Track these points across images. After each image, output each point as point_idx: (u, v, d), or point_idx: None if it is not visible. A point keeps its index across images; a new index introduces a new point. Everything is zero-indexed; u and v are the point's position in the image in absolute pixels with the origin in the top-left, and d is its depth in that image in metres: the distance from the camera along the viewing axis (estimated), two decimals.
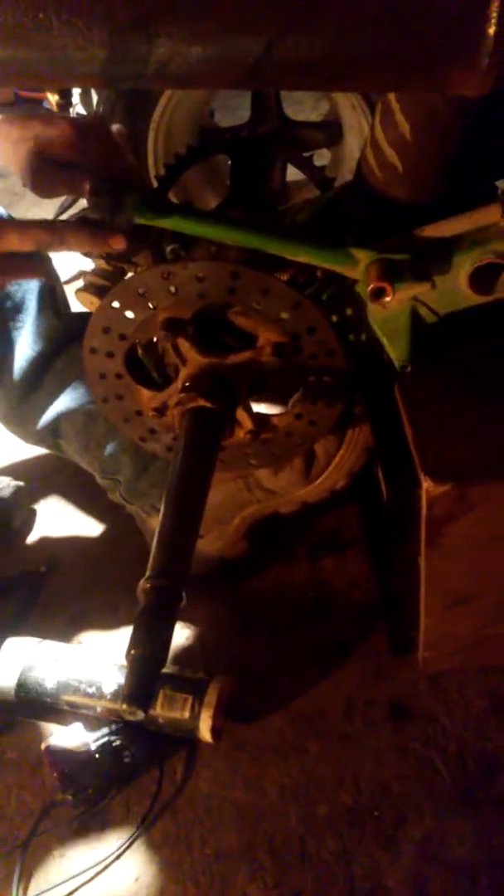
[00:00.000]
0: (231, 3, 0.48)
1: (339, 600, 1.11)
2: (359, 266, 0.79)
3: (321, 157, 1.37)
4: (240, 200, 1.03)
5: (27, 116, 0.81)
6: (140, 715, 0.61)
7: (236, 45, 0.48)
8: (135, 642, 0.64)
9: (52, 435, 1.10)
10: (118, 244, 0.76)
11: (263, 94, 1.31)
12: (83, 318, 0.87)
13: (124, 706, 0.61)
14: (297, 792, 0.92)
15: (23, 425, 1.11)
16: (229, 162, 1.29)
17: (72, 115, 1.48)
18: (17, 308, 1.03)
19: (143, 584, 0.69)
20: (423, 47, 0.48)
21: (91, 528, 1.26)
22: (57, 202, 1.71)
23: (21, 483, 1.26)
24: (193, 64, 0.49)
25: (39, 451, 1.31)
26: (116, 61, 0.49)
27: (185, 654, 1.06)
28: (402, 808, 0.89)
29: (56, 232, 0.75)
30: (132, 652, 0.64)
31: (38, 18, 0.48)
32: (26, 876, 0.87)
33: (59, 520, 1.28)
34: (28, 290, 1.04)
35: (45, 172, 0.79)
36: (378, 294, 0.77)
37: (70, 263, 1.15)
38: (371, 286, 0.76)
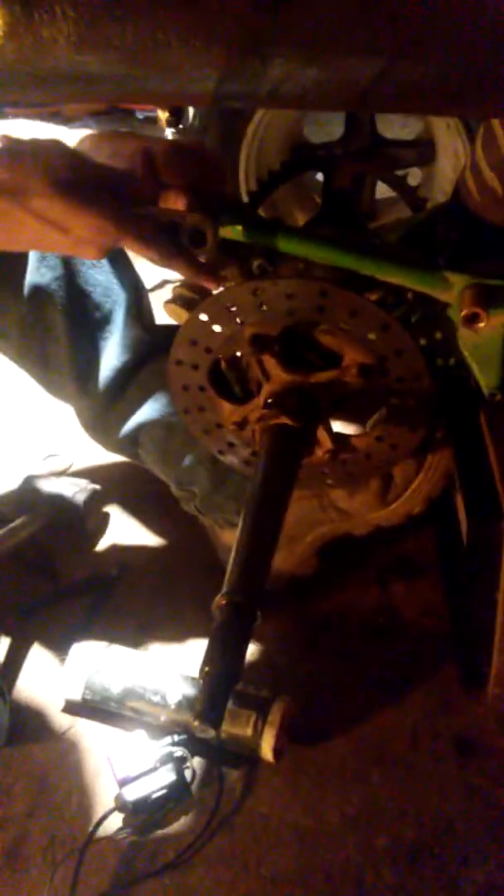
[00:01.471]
0: (346, 26, 0.48)
1: (409, 627, 1.08)
2: (452, 290, 0.78)
3: (412, 177, 1.36)
4: (330, 218, 1.03)
5: (121, 133, 0.84)
6: (211, 732, 0.61)
7: (350, 69, 0.48)
8: (209, 659, 0.64)
9: (131, 444, 1.12)
10: (210, 284, 0.78)
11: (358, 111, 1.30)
12: (169, 331, 0.88)
13: (196, 723, 0.61)
14: (358, 820, 0.90)
15: (105, 433, 1.13)
16: (319, 178, 1.29)
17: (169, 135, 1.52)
18: (106, 319, 1.05)
19: (218, 599, 0.68)
20: None
21: (163, 536, 1.27)
22: None
23: (97, 486, 1.28)
24: (306, 86, 0.48)
25: (116, 456, 1.33)
26: (231, 81, 0.49)
27: (251, 670, 1.05)
28: (464, 847, 0.87)
29: (165, 255, 0.77)
30: (206, 669, 0.63)
31: (156, 38, 0.49)
32: (81, 881, 0.88)
33: (131, 526, 1.29)
34: (116, 302, 1.06)
35: None
36: (472, 319, 0.75)
37: (155, 272, 1.17)
38: (465, 311, 0.75)
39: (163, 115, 1.49)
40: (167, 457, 1.09)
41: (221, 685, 0.63)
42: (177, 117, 1.40)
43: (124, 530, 1.29)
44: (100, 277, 1.05)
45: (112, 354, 1.06)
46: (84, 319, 1.04)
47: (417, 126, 1.53)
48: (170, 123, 1.44)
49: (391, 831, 0.89)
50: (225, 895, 0.86)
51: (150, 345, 1.07)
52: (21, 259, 1.02)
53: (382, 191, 1.41)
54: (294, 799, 0.93)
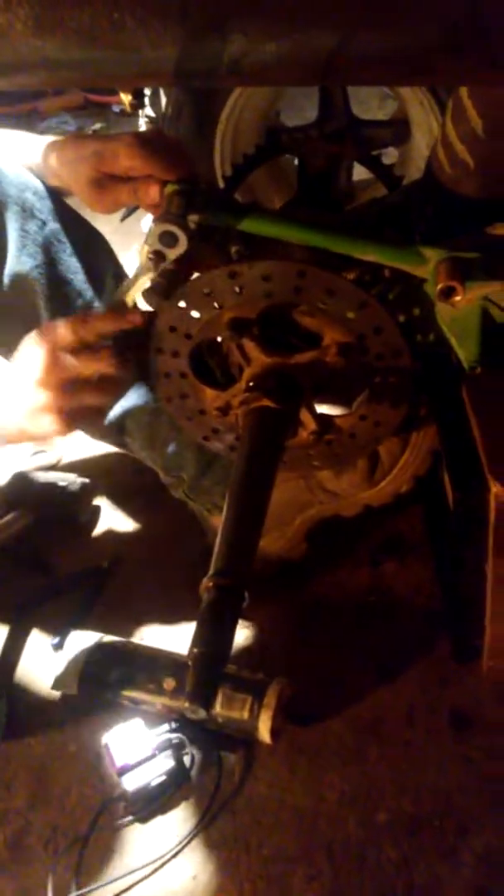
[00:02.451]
0: None
1: (401, 605, 1.09)
2: (428, 265, 0.78)
3: (388, 156, 1.36)
4: (307, 200, 1.03)
5: (82, 136, 0.88)
6: (202, 713, 0.61)
7: (309, 41, 0.48)
8: (197, 640, 0.64)
9: (118, 431, 1.11)
10: (136, 320, 0.84)
11: (331, 92, 1.30)
12: (151, 317, 0.88)
13: (186, 704, 0.61)
14: (357, 798, 0.91)
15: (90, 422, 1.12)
16: (295, 161, 1.29)
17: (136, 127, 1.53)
18: (88, 306, 1.05)
19: (205, 582, 0.69)
20: None
21: (153, 526, 1.27)
22: (117, 216, 1.74)
23: (86, 480, 1.28)
24: (267, 60, 0.48)
25: (104, 448, 1.33)
26: (190, 59, 0.49)
27: (245, 654, 1.06)
28: (463, 818, 0.87)
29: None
30: (194, 650, 0.64)
31: (112, 18, 0.48)
32: (84, 870, 0.88)
33: (122, 518, 1.29)
34: (97, 288, 1.06)
35: (106, 187, 0.84)
36: (448, 293, 0.76)
37: (133, 261, 1.17)
38: (441, 285, 0.75)
39: (126, 98, 1.48)
40: (154, 443, 1.09)
41: (210, 666, 0.64)
42: (139, 100, 1.40)
43: (115, 522, 1.29)
44: (80, 265, 1.05)
45: None
46: (66, 306, 1.04)
47: (392, 106, 1.53)
48: (133, 108, 1.43)
49: (390, 807, 0.89)
50: (228, 878, 0.86)
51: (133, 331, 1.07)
52: (0, 248, 1.01)
53: (360, 172, 1.41)
54: (293, 779, 0.93)
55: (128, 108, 1.44)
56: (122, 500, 1.32)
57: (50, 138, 0.98)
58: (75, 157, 0.90)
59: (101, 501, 1.32)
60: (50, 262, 1.02)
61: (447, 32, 0.45)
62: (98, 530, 1.28)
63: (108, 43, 0.49)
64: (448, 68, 0.48)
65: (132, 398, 1.08)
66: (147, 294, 0.90)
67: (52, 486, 1.27)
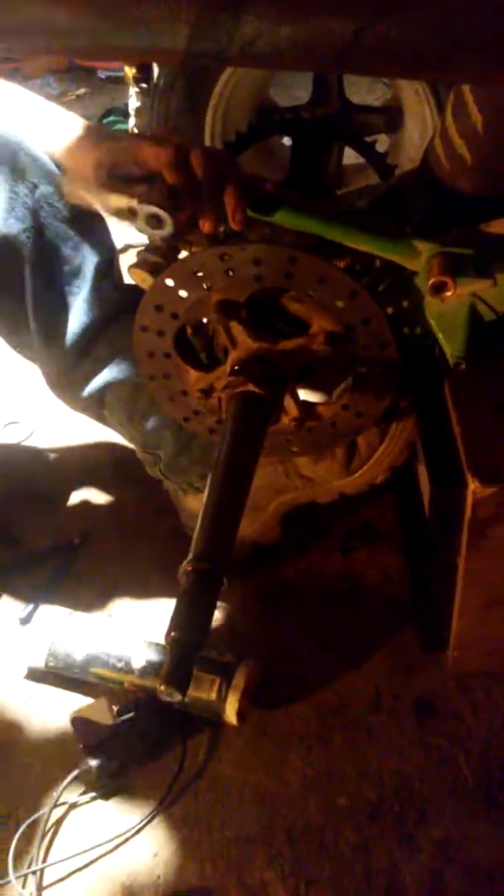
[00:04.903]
0: None
1: (370, 592, 1.10)
2: (420, 258, 0.78)
3: (379, 143, 1.35)
4: (298, 183, 1.02)
5: (134, 138, 0.87)
6: (178, 696, 0.61)
7: (325, 28, 0.47)
8: (175, 624, 0.64)
9: (97, 404, 1.10)
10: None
11: (326, 75, 1.29)
12: (139, 291, 0.87)
13: (162, 687, 0.61)
14: (319, 781, 0.92)
15: (70, 391, 1.11)
16: (286, 142, 1.28)
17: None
18: (75, 273, 1.03)
19: (185, 565, 0.68)
20: None
21: (126, 503, 1.27)
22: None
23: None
24: (279, 45, 0.47)
25: (78, 421, 1.31)
26: (201, 38, 0.48)
27: (214, 636, 1.06)
28: (423, 805, 0.89)
29: None
30: (172, 634, 0.64)
31: None
32: (46, 845, 0.88)
33: (95, 492, 1.28)
34: (87, 257, 1.04)
35: (117, 187, 0.82)
36: (439, 288, 0.76)
37: (119, 236, 1.15)
38: (433, 280, 0.75)
39: (130, 71, 1.45)
40: (133, 417, 1.08)
41: (188, 650, 0.64)
42: (145, 75, 1.37)
43: (87, 497, 1.28)
44: (70, 232, 1.02)
45: (80, 310, 1.04)
46: (52, 273, 1.02)
47: (385, 92, 1.52)
48: (137, 81, 1.41)
49: (351, 791, 0.91)
50: (188, 856, 0.87)
51: (120, 303, 1.05)
52: None
53: (349, 156, 1.40)
54: (256, 761, 0.94)
55: (131, 82, 1.41)
56: (95, 476, 1.31)
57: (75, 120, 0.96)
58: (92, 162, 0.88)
59: (73, 476, 1.31)
60: (39, 227, 0.99)
61: (467, 30, 0.45)
62: (69, 505, 1.27)
63: (121, 16, 0.48)
64: (464, 66, 0.47)
65: (115, 371, 1.06)
66: (133, 269, 0.89)
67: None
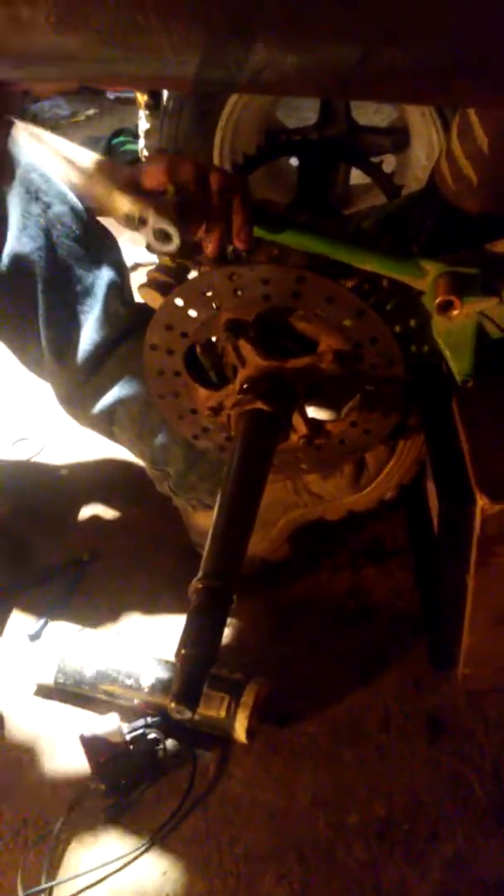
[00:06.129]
0: (329, 11, 0.48)
1: (380, 610, 1.10)
2: (427, 277, 0.79)
3: (386, 164, 1.36)
4: (306, 204, 1.03)
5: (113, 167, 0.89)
6: (188, 714, 0.61)
7: (332, 55, 0.48)
8: (186, 641, 0.65)
9: (106, 421, 1.11)
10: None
11: None
12: (150, 310, 0.88)
13: (172, 704, 0.62)
14: (329, 799, 0.92)
15: (80, 408, 1.12)
16: (293, 162, 1.29)
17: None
18: (87, 292, 1.04)
19: (195, 583, 0.69)
20: None
21: (135, 520, 1.27)
22: None
23: None
24: (287, 72, 0.48)
25: (88, 438, 1.32)
26: (211, 67, 0.49)
27: (223, 652, 1.04)
28: (434, 823, 0.89)
29: None
30: (183, 651, 0.64)
31: (135, 20, 0.48)
32: (56, 862, 0.88)
33: (104, 509, 1.29)
34: (98, 276, 1.05)
35: (133, 193, 0.85)
36: (446, 307, 0.76)
37: (129, 255, 1.16)
38: (439, 299, 0.76)
39: (141, 97, 1.48)
40: (143, 434, 1.09)
41: (199, 667, 0.64)
42: (156, 101, 1.39)
43: (96, 514, 1.29)
44: (83, 251, 1.04)
45: (92, 328, 1.05)
46: (64, 291, 1.03)
47: (392, 113, 1.53)
48: (148, 107, 1.43)
49: (361, 809, 0.91)
50: (198, 874, 0.87)
51: (130, 322, 1.07)
52: (1, 228, 1.00)
53: (356, 177, 1.41)
54: (266, 779, 0.94)
55: (142, 107, 1.43)
56: (104, 492, 1.32)
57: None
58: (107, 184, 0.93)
59: (83, 492, 1.31)
60: (51, 246, 1.01)
61: (471, 54, 0.46)
62: (79, 521, 1.28)
63: (130, 45, 0.49)
64: (469, 90, 0.48)
65: (125, 388, 1.07)
66: (143, 289, 0.90)
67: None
